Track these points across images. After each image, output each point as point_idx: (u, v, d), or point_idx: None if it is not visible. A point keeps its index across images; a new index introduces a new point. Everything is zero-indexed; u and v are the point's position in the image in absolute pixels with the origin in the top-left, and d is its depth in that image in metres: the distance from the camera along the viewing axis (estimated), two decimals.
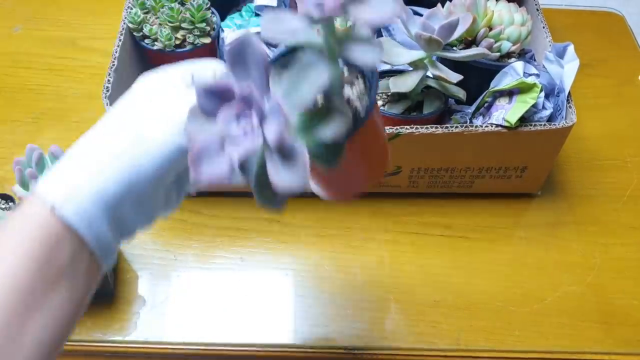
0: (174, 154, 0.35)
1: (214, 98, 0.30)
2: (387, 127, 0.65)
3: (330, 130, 0.30)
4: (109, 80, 0.68)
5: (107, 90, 0.67)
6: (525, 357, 0.65)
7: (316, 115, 0.32)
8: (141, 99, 0.39)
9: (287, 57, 0.35)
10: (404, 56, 0.68)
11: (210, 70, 0.41)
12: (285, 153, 0.29)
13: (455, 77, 0.67)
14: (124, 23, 0.74)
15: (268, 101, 0.29)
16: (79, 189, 0.33)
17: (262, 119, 0.29)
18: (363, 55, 0.31)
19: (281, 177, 0.29)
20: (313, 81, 0.30)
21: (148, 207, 0.37)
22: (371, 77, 0.36)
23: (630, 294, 0.70)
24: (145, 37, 0.75)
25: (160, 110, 0.37)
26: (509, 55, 0.74)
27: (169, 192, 0.39)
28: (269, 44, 0.37)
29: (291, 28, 0.30)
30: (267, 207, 0.32)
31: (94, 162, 0.35)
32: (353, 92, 0.37)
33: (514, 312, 0.68)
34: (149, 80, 0.41)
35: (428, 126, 0.66)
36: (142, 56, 0.77)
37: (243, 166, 0.29)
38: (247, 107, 0.29)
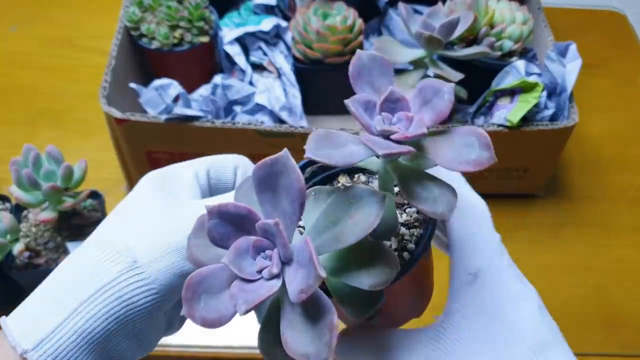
0: (172, 281, 0.31)
1: (229, 223, 0.24)
2: None
3: (372, 279, 0.25)
4: (106, 80, 0.67)
5: (105, 90, 0.66)
6: None
7: (356, 257, 0.26)
8: (134, 211, 0.33)
9: (324, 185, 0.30)
10: (404, 55, 0.67)
11: (231, 167, 0.36)
12: (307, 309, 0.23)
13: (457, 76, 0.66)
14: (122, 22, 0.74)
15: (296, 241, 0.23)
16: (55, 330, 0.28)
17: (285, 261, 0.23)
18: (433, 203, 0.25)
19: (298, 341, 0.23)
20: (361, 220, 0.24)
21: (146, 337, 0.32)
22: (430, 223, 0.30)
23: (633, 296, 0.69)
24: (142, 36, 0.74)
25: (155, 230, 0.31)
26: (510, 54, 0.74)
27: (172, 315, 0.35)
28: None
29: (347, 152, 0.24)
30: None
31: (73, 296, 0.29)
32: (407, 227, 0.31)
33: None
34: (150, 184, 0.35)
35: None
36: (140, 55, 0.77)
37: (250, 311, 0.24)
38: (269, 243, 0.24)
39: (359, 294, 0.26)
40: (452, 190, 0.26)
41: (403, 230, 0.31)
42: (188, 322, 0.67)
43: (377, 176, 0.31)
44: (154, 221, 0.32)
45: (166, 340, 0.64)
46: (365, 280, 0.25)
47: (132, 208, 0.34)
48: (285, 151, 0.24)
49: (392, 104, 0.26)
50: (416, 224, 0.31)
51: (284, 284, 0.23)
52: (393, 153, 0.24)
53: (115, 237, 0.31)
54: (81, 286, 0.29)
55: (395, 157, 0.25)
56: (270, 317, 0.25)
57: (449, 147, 0.25)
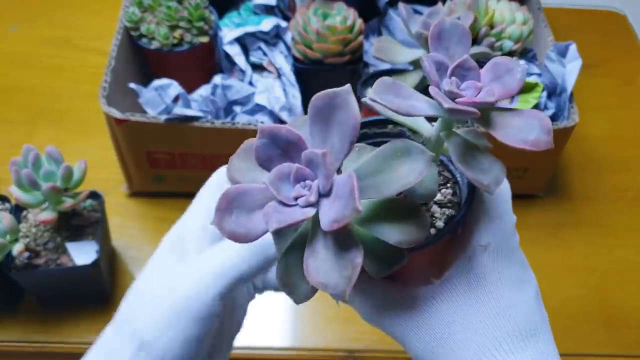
0: (183, 348, 0.31)
1: (277, 146, 0.24)
2: None
3: (400, 236, 0.25)
4: (106, 80, 0.67)
5: (104, 90, 0.66)
6: None
7: (390, 211, 0.26)
8: (142, 284, 0.33)
9: (376, 133, 0.30)
10: (404, 55, 0.67)
11: None
12: (336, 241, 0.23)
13: None
14: (121, 22, 0.74)
15: (339, 176, 0.24)
16: None
17: (323, 193, 0.23)
18: (482, 174, 0.25)
19: (320, 270, 0.23)
20: (405, 174, 0.24)
21: None
22: (469, 199, 0.29)
23: (633, 296, 0.69)
24: (142, 36, 0.74)
25: (157, 303, 0.32)
26: (510, 54, 0.73)
27: None
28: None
29: (410, 104, 0.25)
30: (287, 293, 0.27)
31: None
32: (439, 205, 0.31)
33: None
34: (161, 250, 0.35)
35: None
36: (139, 55, 0.76)
37: (275, 234, 0.25)
38: (311, 173, 0.24)
39: (382, 249, 0.26)
40: (501, 165, 0.26)
41: (435, 208, 0.31)
42: None
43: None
44: (156, 293, 0.32)
45: None
46: (394, 235, 0.25)
47: (141, 282, 0.34)
48: (348, 86, 0.24)
49: (464, 72, 0.26)
50: (449, 204, 0.31)
51: (317, 215, 0.23)
52: (458, 110, 0.24)
53: (126, 316, 0.32)
54: None
55: (459, 115, 0.25)
56: (295, 244, 0.25)
57: (510, 123, 0.25)
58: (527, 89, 0.68)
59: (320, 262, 0.23)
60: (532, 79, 0.68)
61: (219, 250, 0.32)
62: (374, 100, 0.25)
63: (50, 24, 0.96)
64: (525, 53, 0.76)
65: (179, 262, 0.33)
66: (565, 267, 0.71)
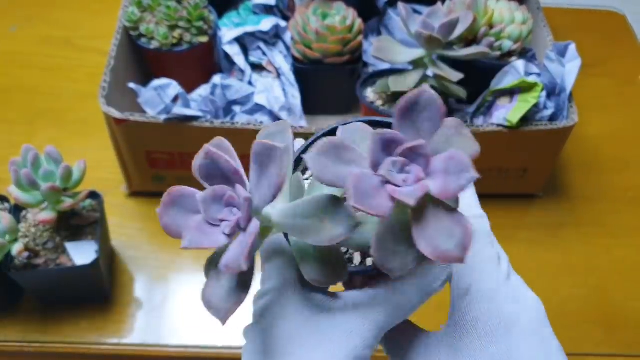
0: None
1: (218, 169, 0.28)
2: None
3: (318, 275, 0.29)
4: (105, 80, 0.67)
5: (104, 90, 0.66)
6: None
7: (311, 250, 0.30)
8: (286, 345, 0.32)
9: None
10: (403, 55, 0.67)
11: None
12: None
13: (456, 76, 0.66)
14: (121, 22, 0.74)
15: (252, 223, 0.27)
16: None
17: (241, 228, 0.27)
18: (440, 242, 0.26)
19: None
20: (328, 231, 0.28)
21: None
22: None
23: (632, 296, 0.69)
24: (141, 36, 0.74)
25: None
26: (509, 54, 0.74)
27: None
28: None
29: (339, 172, 0.27)
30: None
31: None
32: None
33: None
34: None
35: None
36: (139, 55, 0.77)
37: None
38: (239, 203, 0.27)
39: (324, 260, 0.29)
40: (465, 222, 0.27)
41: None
42: (186, 325, 0.67)
43: None
44: (318, 335, 0.31)
45: (166, 340, 0.64)
46: (312, 272, 0.29)
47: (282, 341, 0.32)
48: (285, 146, 0.26)
49: (415, 155, 0.26)
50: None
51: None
52: (362, 210, 0.25)
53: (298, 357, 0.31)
54: None
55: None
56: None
57: (434, 224, 0.26)
58: (526, 88, 0.68)
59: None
60: (532, 79, 0.68)
61: (367, 298, 0.32)
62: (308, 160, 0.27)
63: (49, 24, 0.96)
64: (525, 53, 0.76)
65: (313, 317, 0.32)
66: (564, 267, 0.71)
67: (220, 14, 0.82)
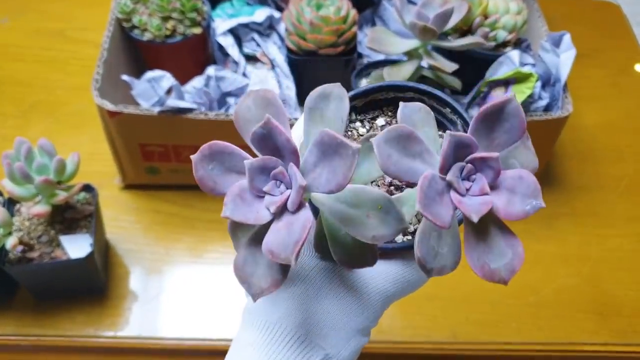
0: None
1: (274, 140, 0.27)
2: None
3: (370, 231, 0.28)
4: (98, 72, 0.67)
5: (97, 82, 0.66)
6: (521, 349, 0.65)
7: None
8: (310, 302, 0.33)
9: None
10: (398, 45, 0.67)
11: None
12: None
13: (451, 66, 0.66)
14: (113, 13, 0.73)
15: (302, 211, 0.26)
16: None
17: (288, 210, 0.26)
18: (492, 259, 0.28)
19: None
20: (374, 227, 0.27)
21: None
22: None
23: (625, 285, 0.70)
24: (134, 27, 0.74)
25: (335, 320, 0.32)
26: (504, 44, 0.73)
27: None
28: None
29: (409, 166, 0.27)
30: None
31: None
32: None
33: (510, 304, 0.67)
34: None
35: None
36: (132, 47, 0.76)
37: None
38: (289, 183, 0.26)
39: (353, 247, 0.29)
40: (519, 245, 0.27)
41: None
42: (181, 317, 0.67)
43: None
44: (327, 303, 0.32)
45: (162, 332, 0.64)
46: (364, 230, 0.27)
47: (292, 288, 0.33)
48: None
49: (484, 167, 0.26)
50: None
51: (263, 229, 0.26)
52: (426, 217, 0.24)
53: (296, 325, 0.31)
54: None
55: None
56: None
57: (486, 240, 0.26)
58: (521, 79, 0.68)
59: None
60: (526, 69, 0.68)
61: (377, 269, 0.33)
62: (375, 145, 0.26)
63: (42, 16, 0.95)
64: (519, 43, 0.76)
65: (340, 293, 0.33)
66: (559, 257, 0.72)
67: (213, 5, 0.81)
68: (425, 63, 0.68)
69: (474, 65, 0.72)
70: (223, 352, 0.63)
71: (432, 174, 0.25)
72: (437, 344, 0.64)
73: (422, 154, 0.26)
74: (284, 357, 0.30)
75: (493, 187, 0.26)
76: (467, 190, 0.26)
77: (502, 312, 0.67)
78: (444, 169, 0.26)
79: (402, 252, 0.32)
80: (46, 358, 0.65)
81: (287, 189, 0.26)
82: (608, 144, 0.83)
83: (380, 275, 0.32)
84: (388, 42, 0.67)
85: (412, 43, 0.67)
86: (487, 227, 0.26)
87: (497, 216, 0.26)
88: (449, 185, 0.26)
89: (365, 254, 0.29)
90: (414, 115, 0.28)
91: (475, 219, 0.24)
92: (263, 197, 0.26)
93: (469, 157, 0.26)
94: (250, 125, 0.27)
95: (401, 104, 0.29)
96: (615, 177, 0.80)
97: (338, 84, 0.29)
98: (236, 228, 0.29)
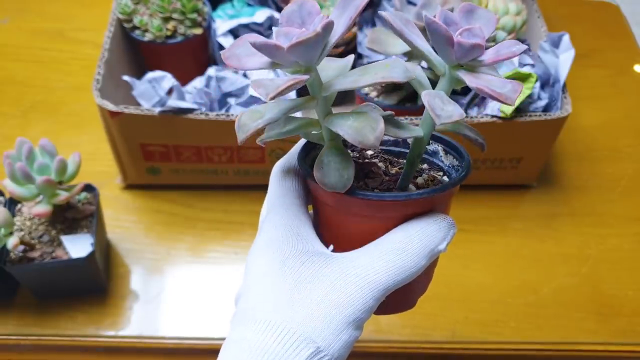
0: (347, 353, 0.32)
1: (300, 14, 0.31)
2: None
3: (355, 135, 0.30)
4: (99, 73, 0.67)
5: (98, 83, 0.66)
6: (520, 349, 0.65)
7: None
8: (288, 284, 0.32)
9: None
10: (398, 46, 0.67)
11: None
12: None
13: None
14: (114, 14, 0.73)
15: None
16: None
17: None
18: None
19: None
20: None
21: None
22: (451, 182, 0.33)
23: (625, 284, 0.70)
24: (135, 28, 0.74)
25: (324, 308, 0.31)
26: None
27: None
28: None
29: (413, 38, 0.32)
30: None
31: None
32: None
33: (509, 303, 0.67)
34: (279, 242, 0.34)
35: None
36: (132, 47, 0.76)
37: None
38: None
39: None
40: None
41: (411, 187, 0.35)
42: (182, 317, 0.67)
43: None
44: (315, 298, 0.31)
45: (163, 332, 0.64)
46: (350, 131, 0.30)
47: (282, 280, 0.32)
48: None
49: (471, 36, 0.30)
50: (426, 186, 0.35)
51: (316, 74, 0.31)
52: (461, 42, 0.29)
53: (286, 319, 0.31)
54: None
55: (461, 52, 0.30)
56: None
57: (488, 78, 0.31)
58: (520, 79, 0.68)
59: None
60: (526, 70, 0.68)
61: (368, 258, 0.32)
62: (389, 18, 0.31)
63: (42, 16, 0.95)
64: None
65: (321, 262, 0.32)
66: (558, 257, 0.72)
67: (214, 6, 0.82)
68: (424, 64, 0.69)
69: None
70: None
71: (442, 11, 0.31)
72: (436, 343, 0.65)
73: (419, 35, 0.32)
74: (274, 352, 0.30)
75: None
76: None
77: (501, 311, 0.67)
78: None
79: (399, 203, 0.32)
80: (47, 358, 0.65)
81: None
82: (607, 144, 0.84)
83: (370, 264, 0.31)
84: (388, 42, 0.67)
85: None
86: (482, 69, 0.31)
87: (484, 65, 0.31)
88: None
89: (344, 169, 0.31)
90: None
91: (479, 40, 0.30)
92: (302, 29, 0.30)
93: (459, 30, 0.30)
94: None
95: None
96: (614, 177, 0.80)
97: None
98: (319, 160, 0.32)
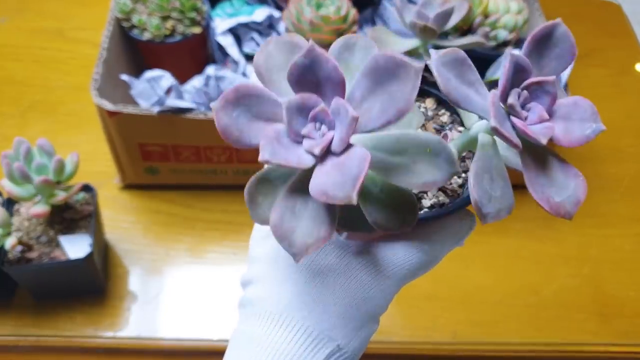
0: (364, 347, 0.31)
1: (314, 74, 0.24)
2: None
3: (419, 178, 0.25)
4: (97, 72, 0.67)
5: (96, 82, 0.66)
6: (521, 350, 0.65)
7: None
8: (308, 282, 0.30)
9: None
10: (398, 45, 0.67)
11: None
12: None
13: None
14: (112, 13, 0.73)
15: (355, 147, 0.24)
16: None
17: (332, 152, 0.24)
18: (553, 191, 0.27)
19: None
20: (423, 172, 0.25)
21: None
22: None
23: (626, 285, 0.69)
24: (134, 27, 0.73)
25: (342, 308, 0.30)
26: (505, 44, 0.73)
27: None
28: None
29: (465, 94, 0.26)
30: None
31: None
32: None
33: (511, 304, 0.67)
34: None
35: None
36: (131, 47, 0.76)
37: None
38: (332, 122, 0.24)
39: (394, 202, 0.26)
40: (582, 180, 0.25)
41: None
42: (181, 318, 0.67)
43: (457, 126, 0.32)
44: (333, 289, 0.30)
45: (161, 333, 0.64)
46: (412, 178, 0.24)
47: (293, 270, 0.30)
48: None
49: (540, 92, 0.24)
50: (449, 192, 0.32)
51: (310, 171, 0.24)
52: (501, 133, 0.22)
53: (303, 316, 0.29)
54: None
55: (500, 137, 0.24)
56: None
57: (545, 173, 0.24)
58: None
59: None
60: None
61: (388, 251, 0.31)
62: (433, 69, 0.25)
63: (41, 16, 0.95)
64: (520, 43, 0.76)
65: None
66: (559, 258, 0.71)
67: (213, 5, 0.81)
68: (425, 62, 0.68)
69: (474, 65, 0.72)
70: (223, 352, 0.63)
71: (497, 96, 0.23)
72: (437, 344, 0.64)
73: (475, 84, 0.24)
74: (291, 351, 0.28)
75: (550, 114, 0.24)
76: (525, 119, 0.24)
77: (502, 312, 0.66)
78: (504, 94, 0.24)
79: (434, 221, 0.30)
80: (45, 358, 0.65)
81: (330, 129, 0.23)
82: (608, 144, 0.83)
83: (391, 257, 0.30)
84: (388, 41, 0.67)
85: (412, 43, 0.66)
86: (545, 158, 0.24)
87: (552, 149, 0.25)
88: (509, 112, 0.24)
89: (404, 213, 0.26)
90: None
91: (543, 141, 0.23)
92: (301, 142, 0.23)
93: (524, 83, 0.24)
94: (275, 74, 0.24)
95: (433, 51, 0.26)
96: (616, 177, 0.80)
97: (364, 36, 0.27)
98: (255, 192, 0.26)
